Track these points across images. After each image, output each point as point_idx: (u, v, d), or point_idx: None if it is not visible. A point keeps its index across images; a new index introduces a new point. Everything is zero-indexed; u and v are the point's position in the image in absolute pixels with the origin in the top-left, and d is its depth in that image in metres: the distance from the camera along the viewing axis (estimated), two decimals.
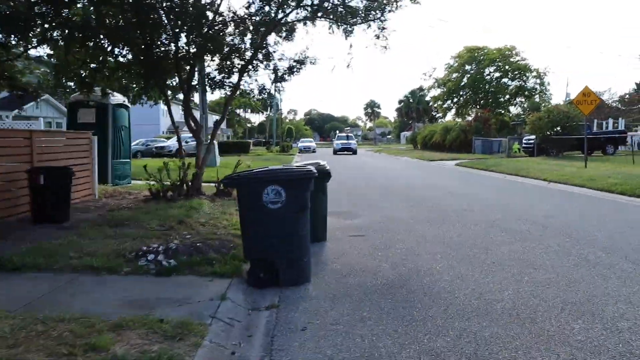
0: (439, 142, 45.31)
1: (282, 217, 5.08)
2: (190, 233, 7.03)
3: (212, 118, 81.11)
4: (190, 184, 10.85)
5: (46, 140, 8.87)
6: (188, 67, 10.85)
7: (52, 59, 11.33)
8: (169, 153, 36.79)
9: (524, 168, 19.97)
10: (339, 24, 10.82)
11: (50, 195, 7.26)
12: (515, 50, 62.33)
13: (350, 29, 10.77)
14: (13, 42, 10.19)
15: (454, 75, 65.39)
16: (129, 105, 14.03)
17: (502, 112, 59.19)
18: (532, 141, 29.30)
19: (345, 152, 44.15)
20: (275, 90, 10.66)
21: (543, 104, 54.25)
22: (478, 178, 18.32)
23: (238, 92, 11.22)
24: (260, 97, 11.02)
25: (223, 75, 10.64)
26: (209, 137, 26.99)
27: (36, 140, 8.19)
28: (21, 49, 10.67)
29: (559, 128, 26.97)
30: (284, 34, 11.17)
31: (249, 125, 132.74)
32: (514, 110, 65.56)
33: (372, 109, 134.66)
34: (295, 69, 10.56)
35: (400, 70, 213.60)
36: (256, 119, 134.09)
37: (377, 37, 10.41)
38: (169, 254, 5.67)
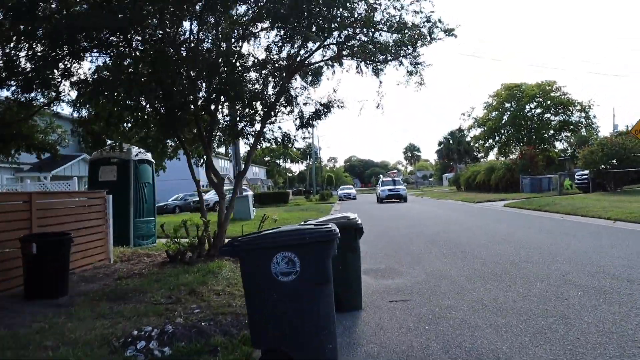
0: (484, 182, 43.48)
1: (297, 292, 3.97)
2: (200, 306, 5.97)
3: (253, 170, 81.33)
4: (212, 242, 9.89)
5: (49, 202, 8.13)
6: (208, 116, 10.11)
7: (72, 114, 10.81)
8: (207, 207, 36.45)
9: (582, 206, 18.19)
10: (367, 62, 9.91)
11: (44, 266, 6.39)
12: (556, 85, 60.53)
13: (380, 67, 9.84)
14: (32, 99, 9.76)
15: (494, 113, 63.79)
16: (153, 160, 13.42)
17: (548, 147, 56.77)
18: (585, 176, 27.29)
19: (394, 200, 38.24)
20: (303, 137, 9.72)
21: (591, 137, 51.79)
22: (531, 220, 16.68)
23: (262, 141, 10.34)
24: (285, 145, 10.07)
25: (245, 123, 9.82)
26: (239, 189, 26.38)
27: (37, 203, 7.43)
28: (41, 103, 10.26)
29: (614, 161, 24.97)
30: (309, 78, 10.34)
31: (289, 175, 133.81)
32: (559, 145, 63.04)
33: (411, 152, 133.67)
34: (321, 113, 9.64)
35: (438, 112, 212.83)
36: (297, 168, 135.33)
37: (410, 73, 9.42)
38: (164, 340, 4.60)
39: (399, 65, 9.80)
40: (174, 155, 12.29)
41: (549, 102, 59.95)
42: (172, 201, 38.44)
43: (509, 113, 62.33)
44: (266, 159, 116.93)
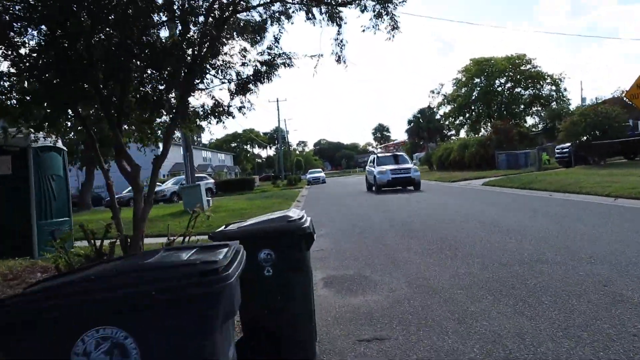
0: (457, 160, 41.83)
1: None
2: None
3: (218, 157, 78.73)
4: (127, 249, 7.48)
5: None
6: (116, 84, 7.61)
7: None
8: (164, 198, 33.73)
9: (571, 182, 16.36)
10: (321, 5, 7.56)
11: None
12: (526, 58, 59.31)
13: (337, 10, 7.50)
14: None
15: (463, 89, 62.35)
16: (64, 148, 10.84)
17: (519, 123, 55.55)
18: (567, 150, 25.65)
19: (398, 187, 23.32)
20: (240, 107, 7.35)
21: (563, 111, 50.70)
22: (519, 200, 14.75)
23: (185, 114, 7.90)
24: (217, 117, 7.65)
25: (158, 92, 7.37)
26: (190, 179, 23.73)
27: None
28: None
29: (598, 132, 23.30)
30: (249, 35, 7.92)
31: (258, 160, 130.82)
32: (530, 120, 62.08)
33: (381, 133, 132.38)
34: (262, 75, 7.26)
35: (406, 90, 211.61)
36: (266, 153, 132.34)
37: (379, 15, 7.09)
38: None
39: (362, 10, 7.47)
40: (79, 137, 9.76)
41: (519, 76, 58.76)
42: (126, 193, 35.49)
43: (478, 89, 61.00)
44: (233, 144, 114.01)
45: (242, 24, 7.82)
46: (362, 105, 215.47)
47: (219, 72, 7.21)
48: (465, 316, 4.45)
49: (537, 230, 8.77)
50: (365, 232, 10.53)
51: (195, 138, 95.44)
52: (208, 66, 7.16)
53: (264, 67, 7.30)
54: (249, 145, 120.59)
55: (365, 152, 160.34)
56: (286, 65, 7.27)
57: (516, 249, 7.20)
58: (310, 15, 7.59)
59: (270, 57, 7.34)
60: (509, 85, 60.49)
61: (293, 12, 7.94)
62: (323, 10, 7.67)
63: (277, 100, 68.56)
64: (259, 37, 7.89)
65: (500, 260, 6.54)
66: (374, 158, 27.45)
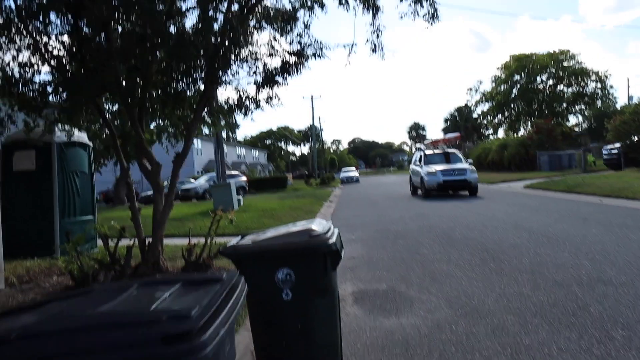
0: (496, 160, 40.41)
1: None
2: None
3: (252, 154, 78.80)
4: (144, 254, 7.07)
5: None
6: (139, 76, 7.17)
7: None
8: (196, 195, 33.65)
9: (624, 187, 15.22)
10: None
11: None
12: (570, 54, 57.03)
13: None
14: None
15: (502, 87, 60.50)
16: (90, 143, 10.54)
17: (561, 122, 53.41)
18: (616, 151, 24.21)
19: (452, 190, 19.74)
20: (267, 98, 6.80)
21: (609, 110, 48.50)
22: (565, 205, 13.74)
23: (208, 108, 7.39)
24: (244, 111, 7.11)
25: (184, 83, 6.89)
26: (221, 175, 23.29)
27: None
28: None
29: None
30: (279, 25, 7.35)
31: (293, 158, 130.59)
32: (573, 119, 59.78)
33: (416, 131, 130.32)
34: (291, 67, 6.69)
35: (443, 88, 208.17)
36: (301, 151, 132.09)
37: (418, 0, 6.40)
38: None
39: None
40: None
41: (561, 72, 56.58)
42: None
43: (518, 86, 59.08)
44: (267, 142, 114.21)
45: (271, 13, 7.28)
46: (397, 104, 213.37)
47: (244, 63, 6.65)
48: (519, 351, 3.76)
49: (591, 241, 7.92)
50: (400, 239, 9.85)
51: (230, 134, 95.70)
52: (233, 57, 6.62)
53: (293, 58, 6.71)
54: (283, 143, 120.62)
55: (401, 150, 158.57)
56: (317, 56, 6.68)
57: (571, 265, 6.41)
58: (342, 1, 6.97)
59: (300, 46, 6.75)
60: (550, 82, 58.38)
61: None
62: None
63: (312, 98, 68.28)
64: (289, 27, 7.32)
65: (554, 278, 5.78)
66: (421, 156, 22.46)
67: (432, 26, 6.65)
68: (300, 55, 6.71)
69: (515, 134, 56.17)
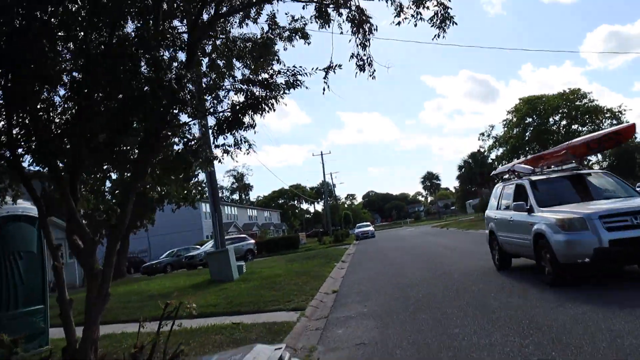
0: None
1: None
2: None
3: (265, 215, 77.22)
4: None
5: None
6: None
7: None
8: (202, 262, 31.88)
9: None
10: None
11: None
12: (580, 93, 55.78)
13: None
14: None
15: (515, 130, 58.99)
16: (36, 215, 8.88)
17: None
18: None
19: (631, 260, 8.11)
20: (222, 146, 5.11)
21: (631, 145, 46.57)
22: None
23: (152, 160, 5.72)
24: (187, 162, 5.47)
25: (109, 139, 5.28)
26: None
27: None
28: None
29: None
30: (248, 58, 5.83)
31: (307, 216, 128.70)
32: (593, 158, 57.71)
33: (430, 181, 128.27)
34: (259, 103, 5.06)
35: (454, 137, 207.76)
36: (315, 208, 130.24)
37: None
38: None
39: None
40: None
41: (574, 112, 55.07)
42: (163, 258, 33.95)
43: (531, 128, 57.56)
44: (280, 201, 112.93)
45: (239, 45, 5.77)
46: (409, 154, 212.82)
47: (190, 103, 5.05)
48: None
49: None
50: (422, 311, 7.87)
51: (243, 196, 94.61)
52: (179, 97, 5.02)
53: (260, 90, 5.10)
54: (296, 201, 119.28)
55: (416, 201, 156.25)
56: (291, 85, 5.04)
57: None
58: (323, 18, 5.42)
59: (268, 75, 5.16)
60: (564, 122, 56.82)
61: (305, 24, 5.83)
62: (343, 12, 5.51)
63: (321, 154, 67.13)
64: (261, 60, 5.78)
65: None
66: (519, 186, 10.49)
67: (445, 32, 5.04)
68: (271, 86, 5.08)
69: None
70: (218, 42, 5.65)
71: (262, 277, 16.22)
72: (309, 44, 6.01)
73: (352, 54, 5.25)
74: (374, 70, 5.39)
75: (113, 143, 5.23)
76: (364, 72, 5.23)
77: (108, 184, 31.69)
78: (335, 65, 5.24)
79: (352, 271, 16.71)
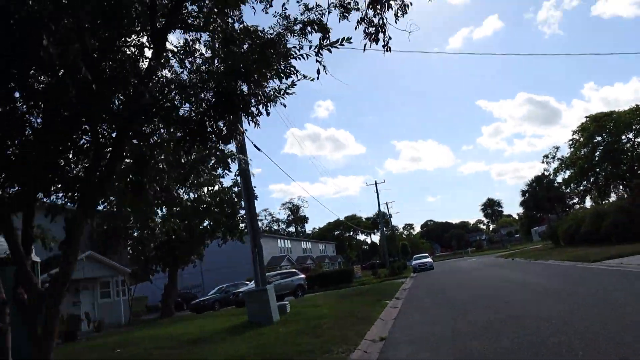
0: (590, 232, 34.80)
1: None
2: None
3: (319, 247, 75.74)
4: None
5: None
6: None
7: None
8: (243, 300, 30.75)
9: None
10: None
11: None
12: None
13: None
14: None
15: (583, 151, 55.00)
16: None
17: None
18: None
19: None
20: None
21: None
22: None
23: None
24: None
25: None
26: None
27: None
28: None
29: None
30: None
31: (365, 247, 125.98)
32: None
33: (491, 208, 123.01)
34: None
35: (515, 161, 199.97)
36: (372, 239, 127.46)
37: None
38: None
39: None
40: None
41: None
42: (212, 294, 32.93)
43: (601, 148, 53.42)
44: (335, 232, 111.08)
45: None
46: (468, 182, 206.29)
47: None
48: None
49: None
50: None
51: (299, 228, 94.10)
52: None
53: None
54: (352, 233, 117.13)
55: (477, 230, 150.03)
56: (283, 73, 3.53)
57: None
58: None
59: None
60: (639, 140, 52.39)
61: None
62: None
63: (375, 183, 65.06)
64: None
65: None
66: None
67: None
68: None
69: (602, 201, 50.00)
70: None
71: (304, 319, 14.61)
72: (327, 39, 4.54)
73: (360, 18, 3.77)
74: (389, 39, 3.87)
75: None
76: (376, 43, 3.73)
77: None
78: (342, 39, 3.74)
79: (405, 312, 14.78)
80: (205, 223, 30.61)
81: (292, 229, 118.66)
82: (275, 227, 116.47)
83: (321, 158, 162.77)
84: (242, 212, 30.58)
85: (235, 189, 29.83)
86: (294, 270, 35.60)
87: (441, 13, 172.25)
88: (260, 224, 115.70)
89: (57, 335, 4.33)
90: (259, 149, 19.32)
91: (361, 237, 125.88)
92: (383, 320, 13.28)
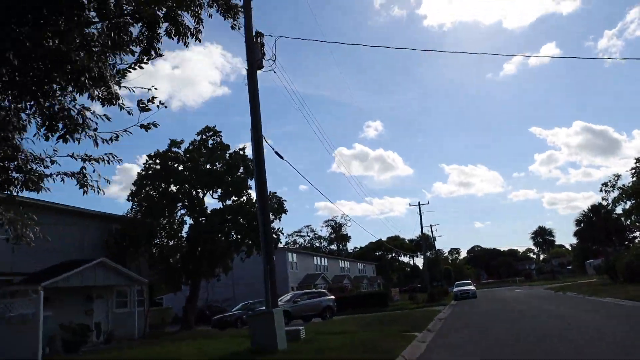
0: None
1: None
2: None
3: (358, 267, 73.39)
4: None
5: None
6: None
7: None
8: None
9: None
10: None
11: None
12: None
13: None
14: None
15: None
16: None
17: None
18: None
19: None
20: None
21: None
22: None
23: None
24: None
25: None
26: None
27: None
28: None
29: None
30: None
31: (408, 269, 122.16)
32: None
33: (542, 237, 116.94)
34: None
35: (569, 190, 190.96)
36: (414, 262, 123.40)
37: None
38: None
39: None
40: None
41: None
42: (236, 310, 31.43)
43: None
44: (377, 253, 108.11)
45: None
46: (518, 209, 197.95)
47: None
48: None
49: None
50: None
51: (341, 247, 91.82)
52: None
53: None
54: (394, 254, 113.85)
55: (527, 258, 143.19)
56: None
57: None
58: None
59: None
60: None
61: None
62: None
63: (419, 204, 62.35)
64: None
65: None
66: None
67: None
68: None
69: None
70: None
71: (315, 349, 12.73)
72: None
73: None
74: None
75: None
76: None
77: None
78: None
79: (433, 349, 12.64)
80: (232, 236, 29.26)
81: (334, 246, 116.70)
82: (317, 244, 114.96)
83: (368, 178, 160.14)
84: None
85: None
86: (323, 290, 33.67)
87: (496, 38, 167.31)
88: (301, 240, 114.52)
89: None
90: (281, 157, 17.68)
91: (404, 259, 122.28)
92: (404, 359, 11.24)
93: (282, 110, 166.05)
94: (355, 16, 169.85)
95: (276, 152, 18.53)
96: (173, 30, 6.31)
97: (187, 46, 6.88)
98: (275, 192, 30.10)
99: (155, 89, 6.54)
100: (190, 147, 30.63)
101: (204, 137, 31.01)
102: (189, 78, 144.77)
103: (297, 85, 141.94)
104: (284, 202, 29.56)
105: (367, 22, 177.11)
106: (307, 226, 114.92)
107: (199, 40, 6.86)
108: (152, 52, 6.21)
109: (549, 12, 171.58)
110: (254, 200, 27.79)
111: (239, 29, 8.96)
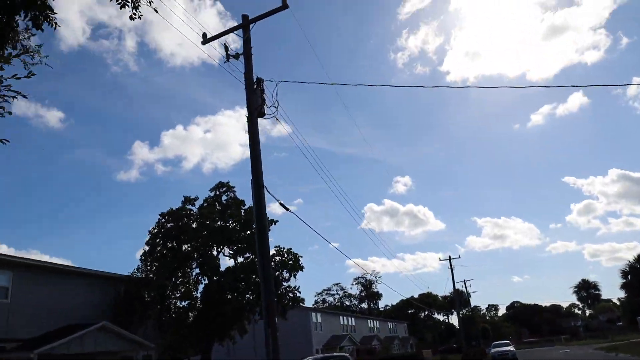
0: None
1: None
2: None
3: (388, 326, 69.60)
4: None
5: None
6: None
7: None
8: None
9: None
10: None
11: None
12: None
13: None
14: None
15: None
16: None
17: None
18: None
19: None
20: None
21: None
22: None
23: None
24: None
25: None
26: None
27: None
28: None
29: None
30: None
31: (443, 327, 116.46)
32: None
33: (586, 291, 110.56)
34: None
35: (611, 241, 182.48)
36: (449, 320, 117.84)
37: None
38: None
39: None
40: None
41: None
42: None
43: None
44: (410, 311, 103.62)
45: None
46: (557, 262, 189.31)
47: None
48: None
49: None
50: None
51: (372, 305, 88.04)
52: None
53: None
54: (427, 312, 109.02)
55: (571, 314, 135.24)
56: None
57: None
58: None
59: None
60: None
61: None
62: None
63: (450, 258, 59.58)
64: None
65: None
66: None
67: None
68: None
69: None
70: None
71: None
72: None
73: None
74: None
75: None
76: None
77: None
78: None
79: None
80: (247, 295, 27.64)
81: (364, 304, 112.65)
82: (347, 303, 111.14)
83: (399, 234, 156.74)
84: (285, 284, 27.41)
85: (277, 258, 26.96)
86: (344, 354, 31.18)
87: (522, 90, 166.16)
88: (331, 298, 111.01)
89: None
90: (287, 209, 16.34)
91: (440, 317, 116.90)
92: None
93: (311, 168, 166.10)
94: (379, 77, 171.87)
95: (281, 204, 17.16)
96: None
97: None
98: (291, 248, 28.54)
99: None
100: (204, 204, 29.74)
101: (217, 192, 30.12)
102: (220, 141, 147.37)
103: (321, 142, 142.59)
104: (300, 257, 27.95)
105: (392, 79, 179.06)
106: (337, 284, 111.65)
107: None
108: None
109: (573, 62, 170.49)
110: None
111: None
